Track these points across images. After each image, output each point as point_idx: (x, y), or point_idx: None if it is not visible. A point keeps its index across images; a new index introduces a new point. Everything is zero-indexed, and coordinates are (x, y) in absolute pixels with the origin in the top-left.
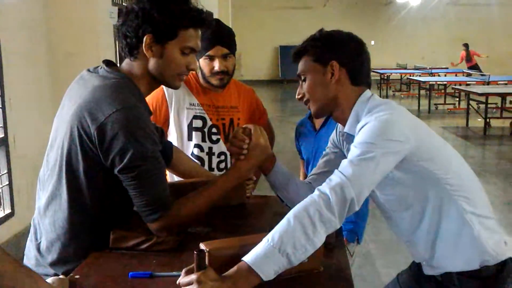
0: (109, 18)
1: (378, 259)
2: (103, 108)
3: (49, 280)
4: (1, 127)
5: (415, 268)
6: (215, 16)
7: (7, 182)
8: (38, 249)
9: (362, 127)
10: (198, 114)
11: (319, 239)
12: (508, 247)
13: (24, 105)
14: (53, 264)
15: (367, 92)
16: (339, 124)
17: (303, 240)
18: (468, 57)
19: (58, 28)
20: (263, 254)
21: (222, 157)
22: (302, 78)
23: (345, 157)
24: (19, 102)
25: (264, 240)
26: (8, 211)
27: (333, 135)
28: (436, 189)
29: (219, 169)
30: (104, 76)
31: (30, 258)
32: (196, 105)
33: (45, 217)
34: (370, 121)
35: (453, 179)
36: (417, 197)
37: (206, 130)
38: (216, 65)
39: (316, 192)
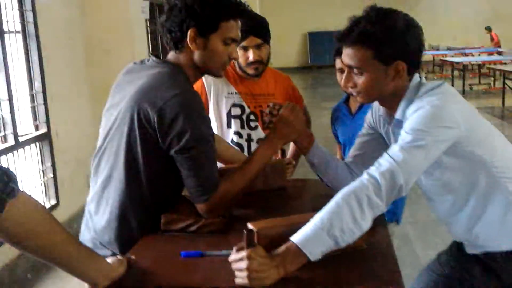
0: (141, 13)
1: (416, 240)
2: (161, 93)
3: (109, 260)
4: (44, 122)
5: (456, 247)
6: None
7: (52, 175)
8: (95, 230)
9: (414, 111)
10: (236, 103)
11: (366, 223)
12: None
13: (64, 100)
14: (110, 244)
15: (416, 76)
16: (375, 104)
17: (351, 223)
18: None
19: (94, 25)
20: (311, 235)
21: None
22: (356, 71)
23: (382, 138)
24: (60, 98)
25: (312, 221)
26: (53, 202)
27: (368, 116)
28: (484, 172)
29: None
30: (155, 66)
31: (86, 241)
32: (234, 93)
33: (102, 199)
34: (422, 107)
35: (499, 161)
36: (464, 181)
37: (244, 117)
38: (251, 55)
39: (365, 175)
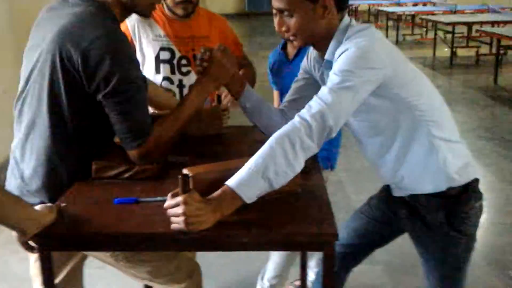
0: None
1: (349, 186)
2: (85, 34)
3: (37, 207)
4: None
5: (385, 191)
6: None
7: None
8: (22, 177)
9: (341, 53)
10: (165, 46)
11: (299, 165)
12: (472, 169)
13: None
14: (37, 191)
15: (346, 18)
16: (310, 49)
17: (284, 166)
18: None
19: None
20: (246, 178)
21: None
22: (286, 13)
23: (316, 82)
24: None
25: (247, 165)
26: None
27: (304, 61)
28: (407, 115)
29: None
30: (78, 4)
31: (12, 189)
32: (162, 36)
33: (26, 145)
34: (349, 48)
35: (424, 104)
36: (389, 122)
37: (175, 62)
38: None
39: (297, 118)
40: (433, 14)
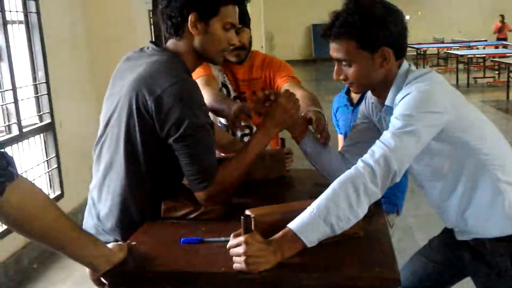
0: (144, 3)
1: (418, 232)
2: (159, 81)
3: (109, 245)
4: (48, 112)
5: (447, 233)
6: None
7: (56, 165)
8: (98, 217)
9: (402, 98)
10: (224, 82)
11: (362, 210)
12: None
13: (68, 90)
14: (112, 230)
15: (405, 64)
16: (368, 94)
17: (347, 211)
18: (501, 29)
19: (96, 15)
20: (308, 222)
21: (247, 131)
22: (344, 63)
23: (375, 127)
24: (63, 88)
25: (309, 208)
26: (58, 192)
27: (362, 106)
28: (472, 159)
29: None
30: (154, 54)
31: (89, 228)
32: (223, 72)
33: (103, 186)
34: (410, 92)
35: (488, 148)
36: (452, 167)
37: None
38: None
39: (360, 163)
40: (505, 57)
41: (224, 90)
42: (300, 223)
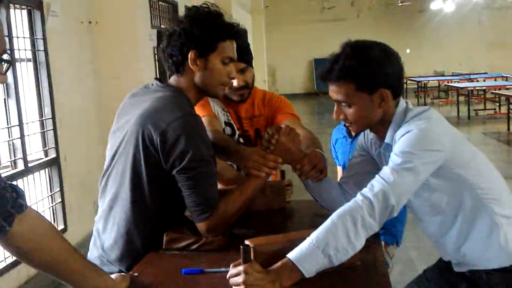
0: (149, 40)
1: (420, 265)
2: (164, 116)
3: (113, 276)
4: (53, 147)
5: (442, 264)
6: (249, 33)
7: (60, 200)
8: (102, 247)
9: (402, 135)
10: (227, 121)
11: (360, 243)
12: None
13: (73, 126)
14: (117, 260)
15: (402, 102)
16: None
17: (345, 243)
18: None
19: (102, 52)
20: (306, 253)
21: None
22: (344, 104)
23: (373, 160)
24: (68, 123)
25: (308, 239)
26: (61, 227)
27: (360, 139)
28: (469, 194)
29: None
30: (159, 90)
31: (93, 259)
32: (225, 111)
33: (109, 217)
34: (410, 130)
35: (484, 183)
36: (450, 202)
37: (235, 138)
38: (235, 81)
39: (359, 196)
40: (506, 89)
41: (229, 129)
42: (299, 253)
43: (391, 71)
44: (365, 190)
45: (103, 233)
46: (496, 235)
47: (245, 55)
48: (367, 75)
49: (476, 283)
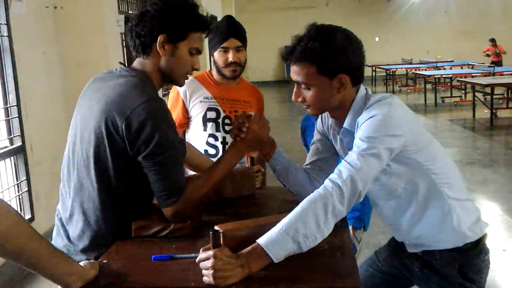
0: (116, 26)
1: None
2: (129, 102)
3: (81, 263)
4: (19, 135)
5: (395, 244)
6: (219, 19)
7: (26, 189)
8: (68, 238)
9: (366, 120)
10: (211, 106)
11: (328, 229)
12: (483, 223)
13: (38, 113)
14: (84, 251)
15: (362, 89)
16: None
17: (314, 230)
18: (497, 52)
19: (68, 38)
20: (276, 238)
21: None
22: (303, 86)
23: (331, 144)
24: (34, 111)
25: (278, 225)
26: (28, 216)
27: (318, 123)
28: (424, 179)
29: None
30: (123, 74)
31: (59, 248)
32: (209, 98)
33: (74, 207)
34: (374, 115)
35: (438, 168)
36: (406, 187)
37: (220, 121)
38: (230, 56)
39: (328, 183)
40: (471, 77)
41: (213, 113)
42: (269, 239)
43: (352, 58)
44: (333, 177)
45: (69, 223)
46: (449, 217)
47: (241, 36)
48: (329, 58)
49: (429, 263)
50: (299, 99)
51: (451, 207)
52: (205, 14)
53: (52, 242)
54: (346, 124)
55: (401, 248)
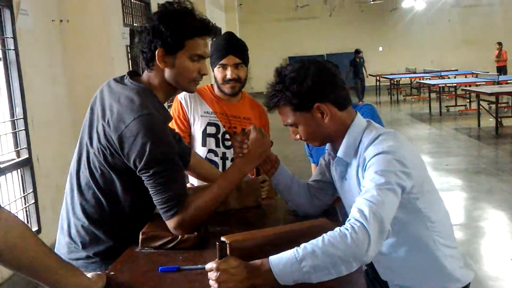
0: (122, 39)
1: None
2: (124, 118)
3: (89, 275)
4: (25, 148)
5: (373, 276)
6: (223, 31)
7: (33, 201)
8: (70, 235)
9: (375, 154)
10: (212, 121)
11: (348, 271)
12: (469, 270)
13: (45, 126)
14: (84, 247)
15: (361, 119)
16: None
17: (334, 274)
18: (499, 56)
19: (74, 51)
20: (287, 262)
21: None
22: (292, 126)
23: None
24: (41, 123)
25: (293, 250)
26: (35, 228)
27: (327, 146)
28: (419, 225)
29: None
30: (127, 86)
31: (62, 246)
32: (210, 113)
33: (76, 206)
34: (384, 151)
35: (433, 216)
36: (401, 230)
37: (220, 136)
38: (228, 73)
39: (355, 222)
40: (476, 85)
41: (213, 128)
42: (279, 260)
43: (324, 85)
44: (356, 216)
45: (67, 220)
46: (439, 263)
47: (240, 52)
48: (297, 94)
49: None
50: (297, 137)
51: (442, 253)
52: (203, 17)
53: (56, 241)
54: (340, 153)
55: (379, 282)
